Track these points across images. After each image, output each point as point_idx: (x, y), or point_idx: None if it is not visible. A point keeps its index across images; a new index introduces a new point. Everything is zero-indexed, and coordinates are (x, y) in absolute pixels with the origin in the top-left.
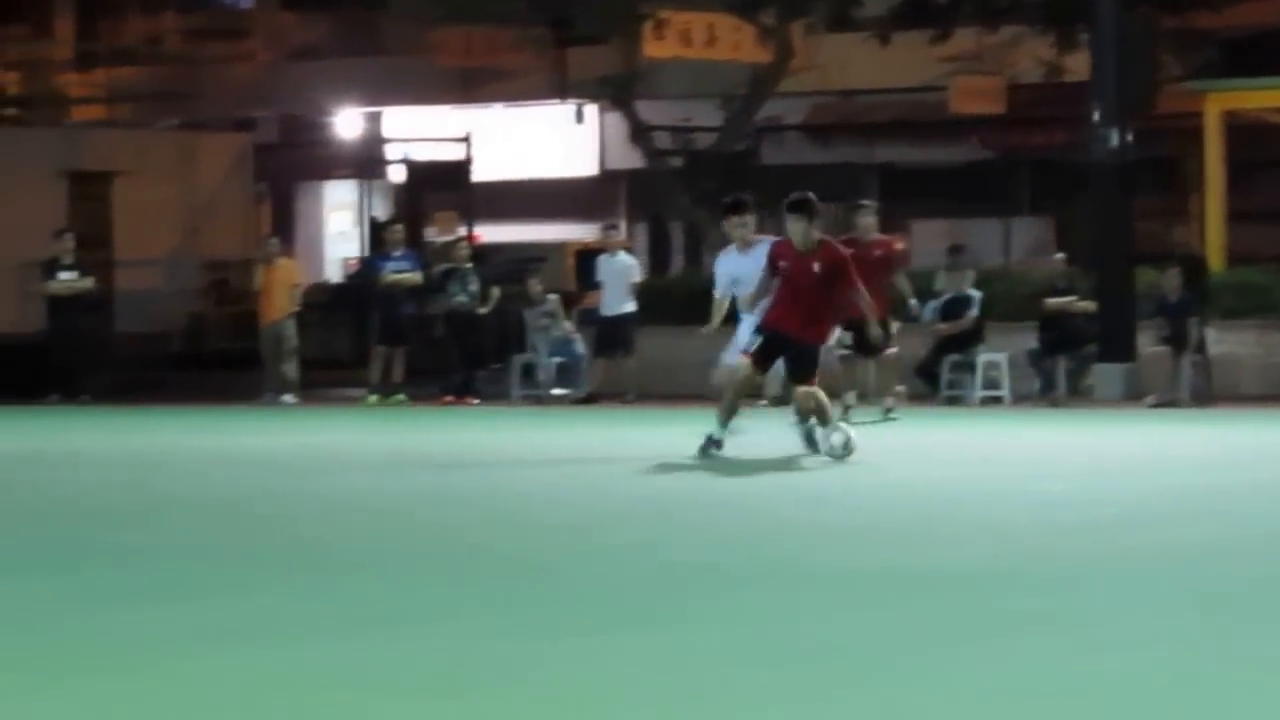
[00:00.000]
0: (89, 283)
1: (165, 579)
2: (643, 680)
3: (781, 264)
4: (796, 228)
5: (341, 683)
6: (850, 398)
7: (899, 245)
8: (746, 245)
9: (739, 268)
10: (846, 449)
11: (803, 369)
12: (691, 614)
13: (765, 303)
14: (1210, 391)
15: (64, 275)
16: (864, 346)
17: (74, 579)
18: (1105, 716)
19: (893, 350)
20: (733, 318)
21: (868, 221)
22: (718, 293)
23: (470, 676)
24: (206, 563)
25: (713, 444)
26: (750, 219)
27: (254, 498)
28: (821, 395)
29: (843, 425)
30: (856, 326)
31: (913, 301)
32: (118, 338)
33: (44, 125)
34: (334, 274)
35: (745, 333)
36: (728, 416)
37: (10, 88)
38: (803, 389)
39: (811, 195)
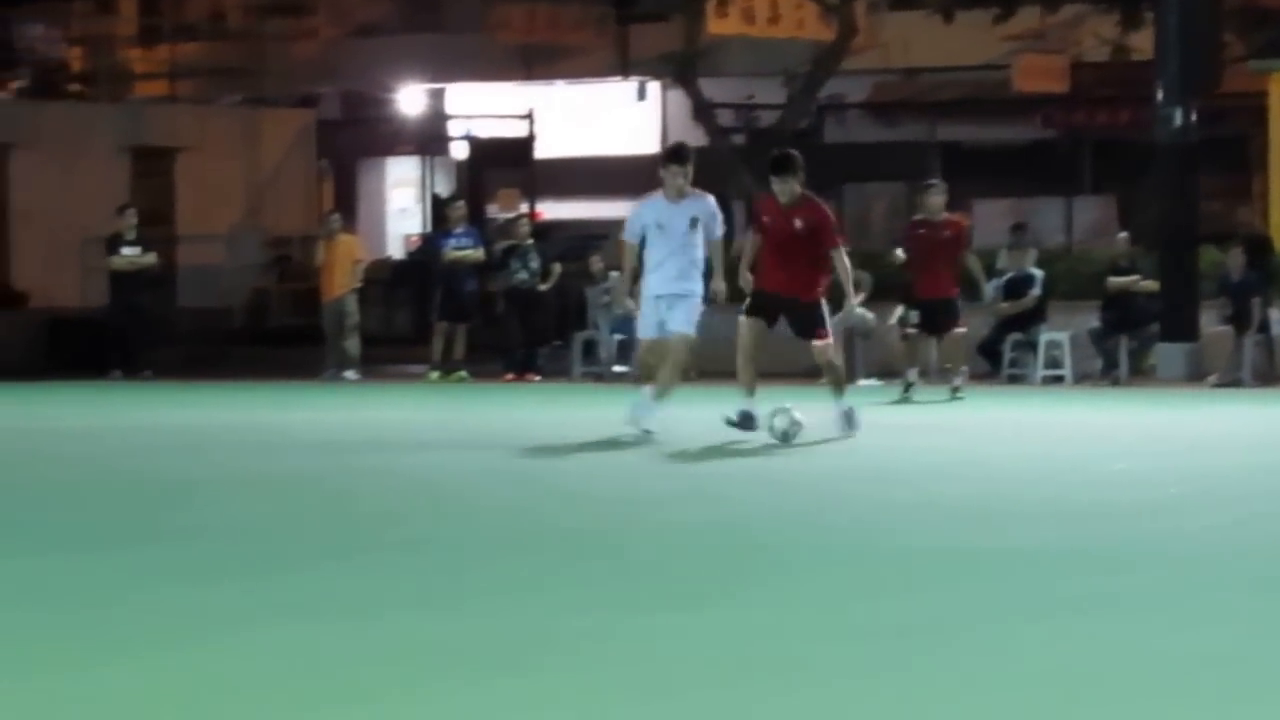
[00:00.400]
0: (152, 258)
1: (226, 554)
2: (707, 656)
3: (765, 219)
4: (784, 188)
5: (403, 659)
6: (913, 375)
7: (967, 224)
8: (680, 196)
9: (666, 215)
10: (787, 435)
11: (808, 326)
12: (755, 591)
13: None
14: (1273, 371)
15: (127, 251)
16: (930, 324)
17: (135, 554)
18: (1169, 698)
19: (960, 330)
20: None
21: (937, 201)
22: (629, 238)
23: (534, 653)
24: (268, 538)
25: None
26: (690, 169)
27: (315, 474)
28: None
29: (790, 411)
30: (923, 305)
31: (987, 285)
32: (180, 313)
33: (107, 101)
34: (396, 250)
35: (649, 309)
36: (751, 383)
37: (74, 63)
38: (819, 344)
39: (793, 151)
